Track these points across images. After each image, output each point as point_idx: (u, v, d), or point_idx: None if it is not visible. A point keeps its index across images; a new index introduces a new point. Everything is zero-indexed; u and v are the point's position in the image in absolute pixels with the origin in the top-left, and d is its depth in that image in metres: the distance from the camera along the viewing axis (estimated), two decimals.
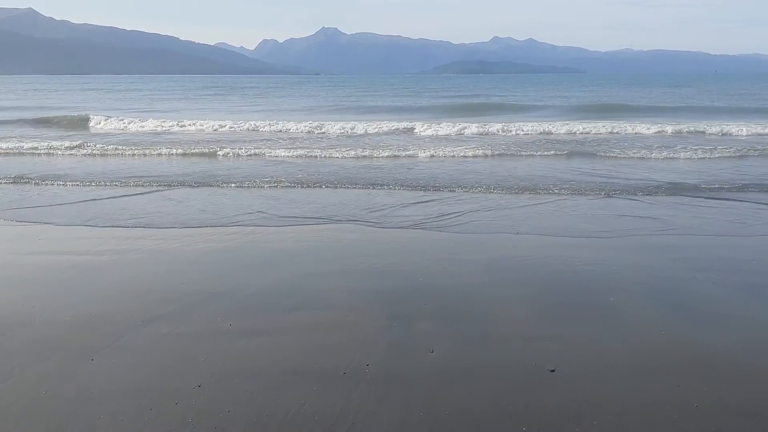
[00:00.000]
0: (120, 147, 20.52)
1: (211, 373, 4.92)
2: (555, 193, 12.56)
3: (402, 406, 4.45)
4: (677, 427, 4.17)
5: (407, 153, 19.12)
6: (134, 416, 4.31)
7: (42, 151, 20.40)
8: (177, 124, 28.86)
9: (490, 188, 13.10)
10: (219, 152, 19.32)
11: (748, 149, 19.44)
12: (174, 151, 19.85)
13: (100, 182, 14.17)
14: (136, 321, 5.93)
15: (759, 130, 24.37)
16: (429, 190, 13.07)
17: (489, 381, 4.81)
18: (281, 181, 14.10)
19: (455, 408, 4.42)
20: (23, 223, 10.32)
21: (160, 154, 19.50)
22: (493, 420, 4.28)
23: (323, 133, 26.35)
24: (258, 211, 10.97)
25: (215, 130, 27.63)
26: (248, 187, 13.67)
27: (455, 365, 5.07)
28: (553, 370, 4.95)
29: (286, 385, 4.72)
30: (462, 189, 13.02)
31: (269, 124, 28.43)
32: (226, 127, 27.96)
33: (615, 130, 25.44)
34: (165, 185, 13.77)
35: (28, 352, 5.30)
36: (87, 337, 5.57)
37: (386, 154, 18.96)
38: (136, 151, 19.89)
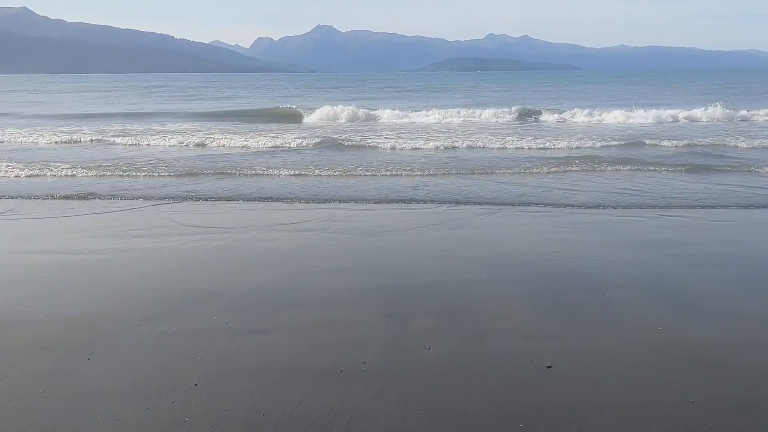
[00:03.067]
0: None
1: (207, 371, 4.91)
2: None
3: (399, 403, 4.45)
4: (674, 423, 4.18)
5: None
6: (131, 415, 4.30)
7: None
8: None
9: None
10: None
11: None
12: None
13: None
14: (132, 320, 5.92)
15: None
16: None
17: (486, 378, 4.82)
18: None
19: (452, 405, 4.42)
20: (18, 223, 10.30)
21: None
22: (490, 417, 4.28)
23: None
24: None
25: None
26: None
27: (452, 362, 5.07)
28: (549, 367, 4.96)
29: (283, 384, 4.72)
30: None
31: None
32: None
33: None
34: None
35: (24, 351, 5.28)
36: (83, 337, 5.56)
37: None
38: None
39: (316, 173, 15.12)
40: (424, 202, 11.68)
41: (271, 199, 12.05)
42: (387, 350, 5.29)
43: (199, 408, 4.39)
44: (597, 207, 11.15)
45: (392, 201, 11.75)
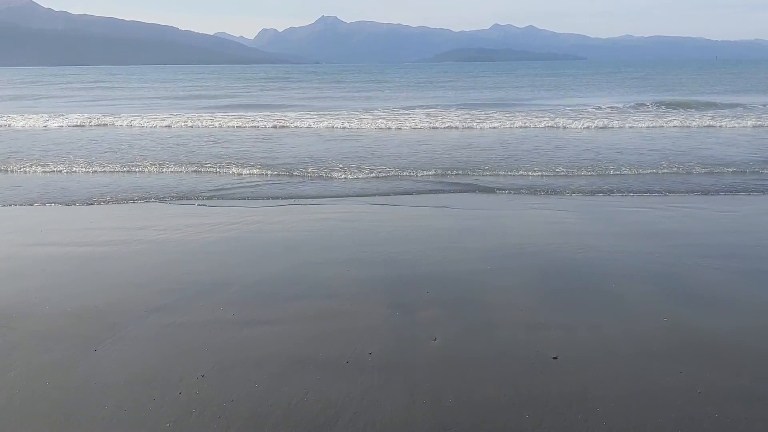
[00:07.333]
0: None
1: (214, 362, 4.92)
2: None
3: (405, 394, 4.45)
4: (680, 413, 4.17)
5: None
6: (138, 406, 4.32)
7: None
8: None
9: None
10: None
11: None
12: None
13: None
14: (139, 312, 5.94)
15: None
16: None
17: (492, 368, 4.82)
18: None
19: (458, 395, 4.42)
20: (24, 215, 10.33)
21: None
22: (496, 407, 4.28)
23: None
24: None
25: None
26: None
27: (458, 353, 5.07)
28: (555, 357, 4.95)
29: (290, 375, 4.73)
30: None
31: None
32: None
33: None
34: None
35: (31, 343, 5.31)
36: (90, 328, 5.58)
37: None
38: None
39: None
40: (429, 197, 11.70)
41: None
42: (393, 341, 5.29)
43: (206, 399, 4.40)
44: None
45: (398, 193, 11.75)
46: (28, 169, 14.88)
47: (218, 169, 14.40)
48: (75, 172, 14.59)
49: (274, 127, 24.68)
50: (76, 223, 9.80)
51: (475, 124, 24.27)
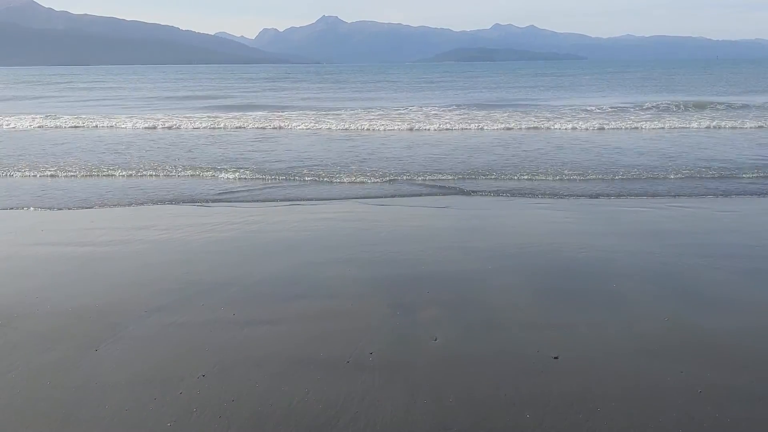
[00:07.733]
0: None
1: (215, 362, 4.92)
2: None
3: (406, 393, 4.45)
4: (681, 413, 4.17)
5: None
6: (139, 406, 4.32)
7: None
8: None
9: None
10: None
11: None
12: None
13: None
14: (140, 311, 5.94)
15: None
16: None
17: (493, 368, 4.81)
18: None
19: (459, 395, 4.42)
20: (25, 214, 10.34)
21: None
22: (497, 407, 4.28)
23: None
24: None
25: None
26: None
27: (459, 352, 5.07)
28: (556, 357, 4.95)
29: (290, 374, 4.73)
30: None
31: None
32: None
33: None
34: None
35: (32, 342, 5.31)
36: (91, 328, 5.58)
37: None
38: None
39: None
40: (430, 195, 11.69)
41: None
42: (393, 341, 5.29)
43: (207, 399, 4.40)
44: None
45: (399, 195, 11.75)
46: (27, 170, 14.89)
47: (218, 173, 14.37)
48: (74, 173, 14.59)
49: (275, 127, 24.74)
50: (77, 223, 9.82)
51: (475, 124, 24.38)
